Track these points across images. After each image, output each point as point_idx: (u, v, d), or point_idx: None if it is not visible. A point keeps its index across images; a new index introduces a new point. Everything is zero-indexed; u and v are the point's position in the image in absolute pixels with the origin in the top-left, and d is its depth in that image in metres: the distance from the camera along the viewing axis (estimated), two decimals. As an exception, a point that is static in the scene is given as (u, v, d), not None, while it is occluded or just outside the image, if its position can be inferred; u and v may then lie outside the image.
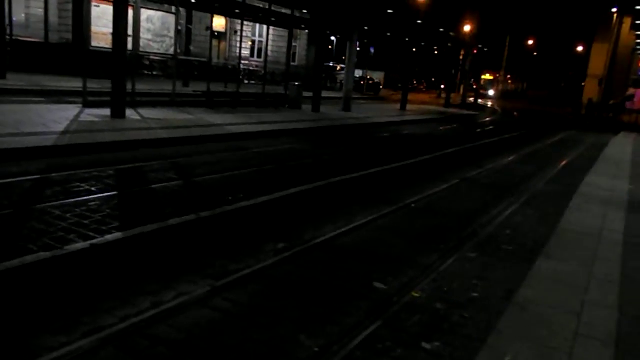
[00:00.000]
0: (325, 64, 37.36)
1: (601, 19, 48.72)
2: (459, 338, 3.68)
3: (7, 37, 17.19)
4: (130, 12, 12.02)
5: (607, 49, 46.29)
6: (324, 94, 21.52)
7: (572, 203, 7.80)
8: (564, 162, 13.47)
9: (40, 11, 21.62)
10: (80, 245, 4.59)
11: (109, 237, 4.87)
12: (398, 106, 25.72)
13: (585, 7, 52.68)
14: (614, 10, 42.73)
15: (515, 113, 36.91)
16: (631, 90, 42.67)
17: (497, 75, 66.49)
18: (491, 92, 54.71)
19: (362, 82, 37.99)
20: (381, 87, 40.80)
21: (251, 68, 30.00)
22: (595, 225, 6.61)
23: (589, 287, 4.49)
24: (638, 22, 26.78)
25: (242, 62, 22.90)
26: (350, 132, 15.62)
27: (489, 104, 45.63)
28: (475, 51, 38.55)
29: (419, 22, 27.44)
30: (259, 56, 31.78)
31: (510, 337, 3.48)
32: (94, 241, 4.71)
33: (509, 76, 70.51)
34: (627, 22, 36.79)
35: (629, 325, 3.84)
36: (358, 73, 38.10)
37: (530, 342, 3.45)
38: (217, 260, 4.62)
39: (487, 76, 64.58)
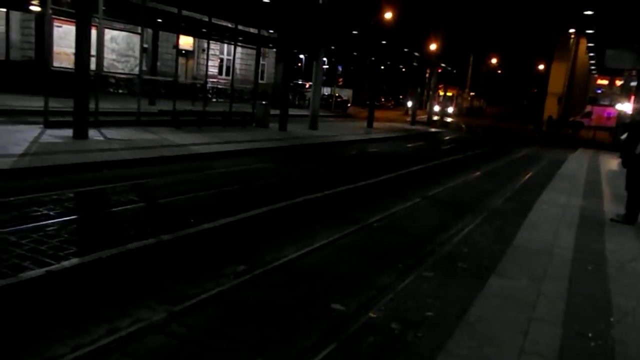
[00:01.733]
0: (294, 82, 37.67)
1: (560, 39, 50.70)
2: (411, 358, 3.80)
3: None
4: (94, 32, 11.97)
5: (566, 67, 48.19)
6: (292, 111, 21.68)
7: (526, 220, 8.08)
8: (522, 180, 13.90)
9: (2, 28, 21.27)
10: (35, 272, 4.55)
11: (65, 263, 4.83)
12: (365, 124, 26.09)
13: (545, 27, 54.74)
14: (572, 30, 44.55)
15: (479, 130, 37.84)
16: (588, 108, 44.37)
17: (461, 92, 68.03)
18: (450, 109, 55.68)
19: (330, 100, 38.39)
20: (349, 104, 41.28)
21: (219, 86, 30.03)
22: (547, 242, 6.87)
23: (536, 304, 4.68)
24: (590, 44, 28.07)
25: (210, 80, 22.97)
26: (315, 151, 15.79)
27: (450, 119, 46.59)
28: (439, 70, 39.46)
29: (384, 42, 28.03)
30: (227, 74, 31.82)
31: (458, 356, 3.61)
32: (50, 268, 4.67)
33: (472, 93, 72.15)
34: (584, 42, 38.37)
35: (571, 340, 4.03)
36: (326, 91, 38.50)
37: (477, 360, 3.58)
38: (176, 285, 4.64)
39: (448, 93, 65.71)
